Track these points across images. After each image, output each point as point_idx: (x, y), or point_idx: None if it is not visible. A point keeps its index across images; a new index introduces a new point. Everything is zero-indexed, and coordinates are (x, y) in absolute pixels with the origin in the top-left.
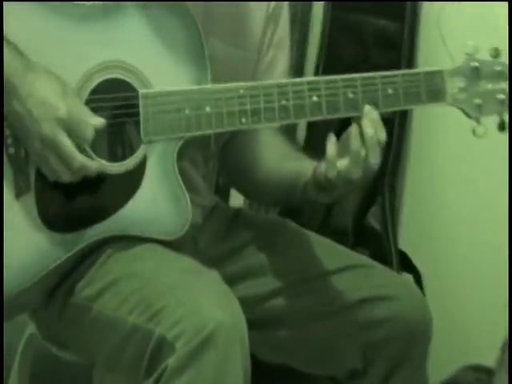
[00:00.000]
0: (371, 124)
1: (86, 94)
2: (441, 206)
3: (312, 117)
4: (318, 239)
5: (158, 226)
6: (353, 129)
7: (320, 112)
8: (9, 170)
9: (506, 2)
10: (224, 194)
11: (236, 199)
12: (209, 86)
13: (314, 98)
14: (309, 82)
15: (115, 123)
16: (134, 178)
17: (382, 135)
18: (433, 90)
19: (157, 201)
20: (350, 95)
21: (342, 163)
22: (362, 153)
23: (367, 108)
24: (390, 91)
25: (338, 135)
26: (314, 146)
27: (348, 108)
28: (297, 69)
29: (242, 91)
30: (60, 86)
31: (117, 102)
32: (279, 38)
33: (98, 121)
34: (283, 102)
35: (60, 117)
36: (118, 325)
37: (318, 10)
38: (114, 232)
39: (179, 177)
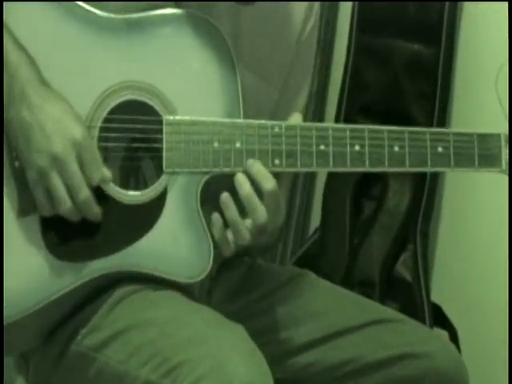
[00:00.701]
0: (243, 180)
1: (103, 114)
2: (477, 255)
3: (353, 167)
4: (341, 292)
5: (175, 265)
6: (222, 197)
7: (362, 163)
8: (13, 185)
9: (506, 2)
10: None
11: None
12: (241, 120)
13: (357, 147)
14: (352, 130)
15: (134, 148)
16: (152, 211)
17: (268, 185)
18: (487, 154)
19: (176, 237)
20: (396, 148)
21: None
22: (236, 219)
23: (248, 162)
24: (439, 149)
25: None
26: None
27: (393, 162)
28: (318, 97)
29: (277, 129)
30: (76, 113)
31: (138, 124)
32: (303, 71)
33: (107, 173)
34: (322, 147)
35: (76, 139)
36: (127, 380)
37: (341, 33)
38: (126, 267)
39: (202, 215)
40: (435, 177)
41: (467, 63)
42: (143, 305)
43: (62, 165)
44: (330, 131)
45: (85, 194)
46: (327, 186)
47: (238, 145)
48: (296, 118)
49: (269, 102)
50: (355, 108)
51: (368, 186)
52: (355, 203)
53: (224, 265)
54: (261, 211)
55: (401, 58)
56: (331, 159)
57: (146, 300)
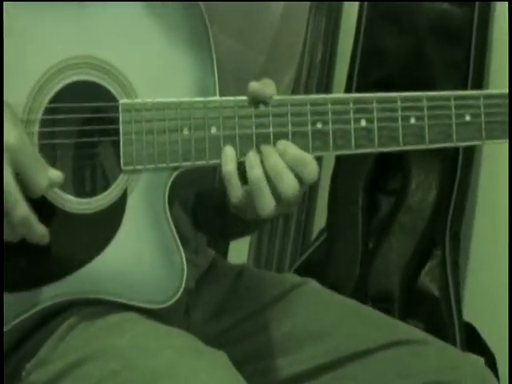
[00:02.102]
0: (256, 162)
1: (43, 103)
2: None
3: (358, 148)
4: (351, 306)
5: (140, 289)
6: (250, 156)
7: (370, 142)
8: None
9: (506, 2)
10: (221, 247)
11: (237, 253)
12: (216, 98)
13: (363, 123)
14: (356, 100)
15: (84, 144)
16: (109, 221)
17: (311, 173)
18: None
19: (140, 254)
20: (413, 120)
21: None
22: (263, 183)
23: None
24: (467, 118)
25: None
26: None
27: (409, 138)
28: (323, 68)
29: (262, 108)
30: (11, 112)
31: (87, 114)
32: (293, 39)
33: (55, 174)
34: (319, 126)
35: (9, 145)
36: None
37: None
38: (80, 294)
39: (172, 223)
40: (468, 165)
41: (506, 26)
42: (101, 331)
43: None
44: (329, 105)
45: (20, 212)
46: (334, 178)
47: (213, 130)
48: (270, 86)
49: (253, 70)
50: (369, 82)
51: (385, 178)
52: (369, 199)
53: (205, 275)
54: (268, 201)
55: (425, 21)
56: (331, 140)
57: (104, 325)
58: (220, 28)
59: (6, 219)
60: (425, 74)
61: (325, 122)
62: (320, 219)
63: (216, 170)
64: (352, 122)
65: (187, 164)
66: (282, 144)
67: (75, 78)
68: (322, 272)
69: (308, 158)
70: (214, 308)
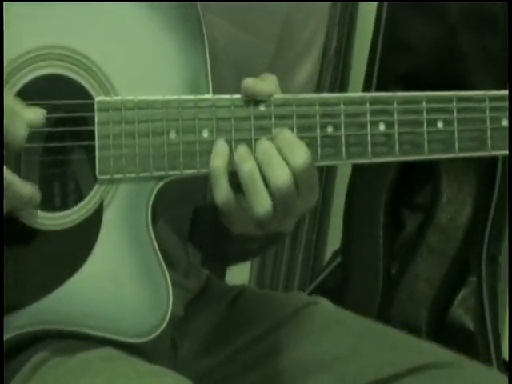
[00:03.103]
0: (246, 154)
1: (8, 98)
2: None
3: (375, 157)
4: (371, 326)
5: (118, 319)
6: (240, 149)
7: (389, 150)
8: None
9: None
10: (217, 267)
11: (237, 273)
12: (208, 95)
13: (382, 127)
14: (373, 100)
15: (53, 149)
16: (81, 239)
17: (300, 157)
18: None
19: (118, 277)
20: (440, 125)
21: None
22: (256, 175)
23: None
24: (504, 123)
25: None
26: None
27: (435, 146)
28: (339, 60)
29: (262, 108)
30: None
31: (57, 113)
32: (310, 30)
33: (36, 113)
34: (329, 130)
35: None
36: None
37: None
38: (50, 324)
39: (155, 241)
40: (507, 177)
41: None
42: (73, 371)
43: None
44: (342, 105)
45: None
46: (350, 190)
47: (205, 134)
48: (270, 83)
49: (262, 61)
50: (391, 75)
51: (411, 191)
52: (392, 216)
53: (197, 300)
54: (264, 198)
55: (457, 7)
56: (344, 147)
57: (77, 364)
58: (213, 10)
59: None
60: (456, 68)
61: (336, 126)
62: (333, 239)
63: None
64: (369, 125)
65: (174, 173)
66: (277, 129)
67: (44, 71)
68: (336, 302)
69: (296, 141)
70: (207, 337)
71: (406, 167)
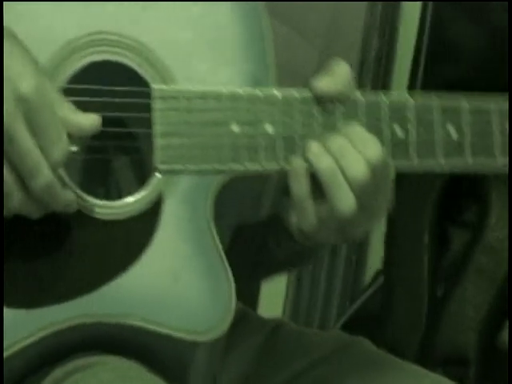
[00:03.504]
0: (320, 150)
1: (61, 80)
2: None
3: (446, 158)
4: (415, 372)
5: (175, 314)
6: (312, 147)
7: (460, 153)
8: None
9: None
10: (249, 296)
11: (269, 305)
12: (273, 89)
13: (452, 132)
14: (443, 107)
15: (109, 134)
16: (139, 231)
17: (374, 151)
18: None
19: (177, 272)
20: (453, 132)
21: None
22: (337, 171)
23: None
24: None
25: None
26: None
27: (450, 151)
28: (380, 64)
29: (329, 105)
30: (32, 60)
31: (113, 97)
32: (350, 38)
33: (91, 119)
34: (399, 133)
35: (23, 93)
36: None
37: None
38: (102, 317)
39: (217, 238)
40: None
41: None
42: None
43: (8, 137)
44: (412, 109)
45: (44, 177)
46: (393, 208)
47: (268, 128)
48: (341, 80)
49: (308, 64)
50: (437, 81)
51: (457, 209)
52: (438, 234)
53: (232, 333)
54: (346, 193)
55: (509, 7)
56: (410, 148)
57: None
58: (275, 13)
59: (24, 191)
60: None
61: (406, 128)
62: (375, 259)
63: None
64: (440, 128)
65: (237, 167)
66: (346, 125)
67: (99, 57)
68: (378, 328)
69: (367, 134)
70: (245, 373)
71: (452, 183)
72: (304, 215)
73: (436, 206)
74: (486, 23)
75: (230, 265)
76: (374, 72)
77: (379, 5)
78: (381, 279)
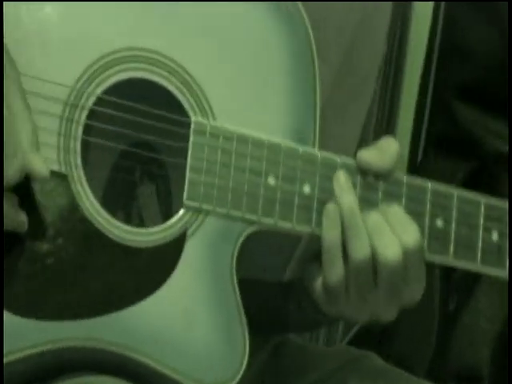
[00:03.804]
0: (346, 185)
1: (97, 91)
2: None
3: (484, 265)
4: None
5: (183, 359)
6: (340, 178)
7: (500, 262)
8: None
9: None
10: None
11: None
12: (316, 150)
13: (494, 236)
14: (488, 206)
15: (142, 156)
16: (158, 263)
17: (410, 235)
18: None
19: (191, 316)
20: (439, 223)
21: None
22: (357, 211)
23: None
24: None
25: None
26: None
27: (489, 257)
28: (389, 69)
29: (371, 180)
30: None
31: (147, 119)
32: (373, 53)
33: (42, 166)
34: (439, 223)
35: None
36: None
37: None
38: (98, 343)
39: (237, 287)
40: None
41: None
42: None
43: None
44: (455, 200)
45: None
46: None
47: (306, 189)
48: (389, 155)
49: (326, 80)
50: (449, 87)
51: None
52: None
53: None
54: (365, 248)
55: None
56: (452, 245)
57: None
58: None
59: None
60: None
61: (447, 221)
62: None
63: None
64: (481, 230)
65: (267, 221)
66: (384, 205)
67: (138, 75)
68: (386, 342)
69: (408, 218)
70: None
71: (466, 186)
72: (331, 266)
73: None
74: (498, 24)
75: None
76: (384, 76)
77: (388, 4)
78: None
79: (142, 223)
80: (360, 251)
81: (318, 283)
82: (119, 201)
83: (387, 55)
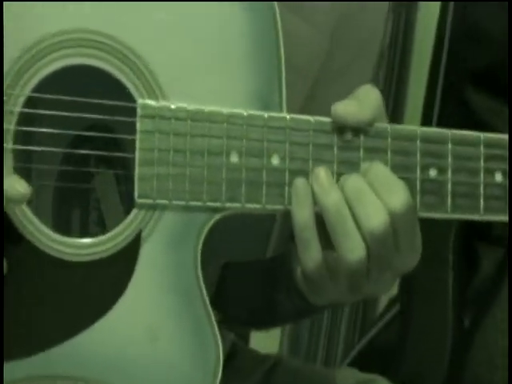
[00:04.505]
0: (327, 180)
1: (26, 89)
2: None
3: (488, 213)
4: None
5: (151, 379)
6: (321, 174)
7: (504, 206)
8: None
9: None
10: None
11: (264, 337)
12: (283, 114)
13: (498, 178)
14: (488, 142)
15: (80, 158)
16: (110, 277)
17: (398, 197)
18: None
19: (155, 331)
20: (432, 173)
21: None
22: (345, 211)
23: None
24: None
25: None
26: None
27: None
28: (394, 55)
29: (349, 136)
30: None
31: (89, 111)
32: (369, 30)
33: (21, 186)
34: (432, 174)
35: None
36: None
37: None
38: (57, 379)
39: (204, 290)
40: None
41: None
42: None
43: None
44: (450, 144)
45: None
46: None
47: (275, 160)
48: (370, 106)
49: (315, 56)
50: (462, 71)
51: (487, 222)
52: (465, 252)
53: (225, 370)
54: (356, 239)
55: None
56: (449, 197)
57: None
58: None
59: None
60: None
61: (442, 169)
62: None
63: (270, 230)
64: (482, 173)
65: (233, 206)
66: (366, 164)
67: (76, 61)
68: (393, 364)
69: (393, 177)
70: None
71: None
72: (306, 250)
73: (461, 221)
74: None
75: (222, 307)
76: (389, 63)
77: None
78: (396, 307)
79: (89, 232)
80: (354, 252)
81: (299, 270)
82: (61, 210)
83: (391, 37)
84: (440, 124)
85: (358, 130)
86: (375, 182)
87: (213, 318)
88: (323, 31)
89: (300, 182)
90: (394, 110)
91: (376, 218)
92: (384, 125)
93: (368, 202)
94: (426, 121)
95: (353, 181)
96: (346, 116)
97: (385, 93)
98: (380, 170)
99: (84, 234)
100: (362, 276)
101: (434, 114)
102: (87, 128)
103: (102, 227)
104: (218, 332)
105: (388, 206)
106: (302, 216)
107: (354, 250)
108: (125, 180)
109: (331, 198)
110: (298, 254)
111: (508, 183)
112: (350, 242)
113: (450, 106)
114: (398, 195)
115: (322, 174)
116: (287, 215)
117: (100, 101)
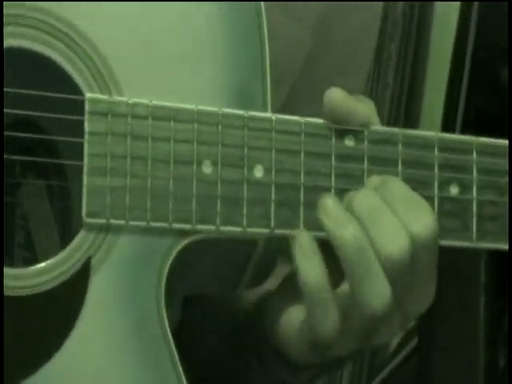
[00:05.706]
0: (336, 209)
1: None
2: None
3: None
4: None
5: None
6: (328, 204)
7: None
8: None
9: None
10: None
11: None
12: (267, 114)
13: None
14: None
15: (19, 167)
16: (51, 316)
17: (419, 222)
18: None
19: (106, 375)
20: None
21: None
22: (366, 243)
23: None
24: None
25: None
26: None
27: None
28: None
29: (349, 143)
30: None
31: (28, 107)
32: (357, 30)
33: None
34: (453, 192)
35: None
36: None
37: None
38: None
39: (168, 331)
40: None
41: None
42: None
43: None
44: (474, 155)
45: None
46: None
47: (258, 173)
48: (366, 106)
49: (298, 51)
50: (492, 47)
51: None
52: (499, 275)
53: None
54: (379, 285)
55: None
56: (474, 221)
57: None
58: None
59: None
60: None
61: (465, 186)
62: None
63: (247, 258)
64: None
65: (207, 229)
66: (377, 178)
67: (14, 43)
68: None
69: (414, 195)
70: None
71: None
72: (324, 317)
73: None
74: None
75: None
76: (402, 33)
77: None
78: (414, 341)
79: (27, 261)
80: (378, 297)
81: (293, 329)
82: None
83: (405, 9)
84: (468, 108)
85: (360, 134)
86: (392, 199)
87: (175, 355)
88: (305, 24)
89: (303, 234)
90: (411, 89)
91: (394, 241)
92: (394, 129)
93: (385, 222)
94: (450, 104)
95: (365, 198)
96: (345, 105)
97: (397, 72)
98: (397, 186)
99: (10, 261)
100: (381, 323)
101: (460, 96)
102: (15, 125)
103: (31, 252)
104: (182, 375)
105: (409, 229)
106: (315, 273)
107: (378, 293)
108: (61, 193)
109: (349, 233)
110: (310, 322)
111: (508, 182)
112: (375, 284)
113: (480, 87)
114: (421, 216)
115: (330, 204)
116: (271, 240)
117: (34, 92)
